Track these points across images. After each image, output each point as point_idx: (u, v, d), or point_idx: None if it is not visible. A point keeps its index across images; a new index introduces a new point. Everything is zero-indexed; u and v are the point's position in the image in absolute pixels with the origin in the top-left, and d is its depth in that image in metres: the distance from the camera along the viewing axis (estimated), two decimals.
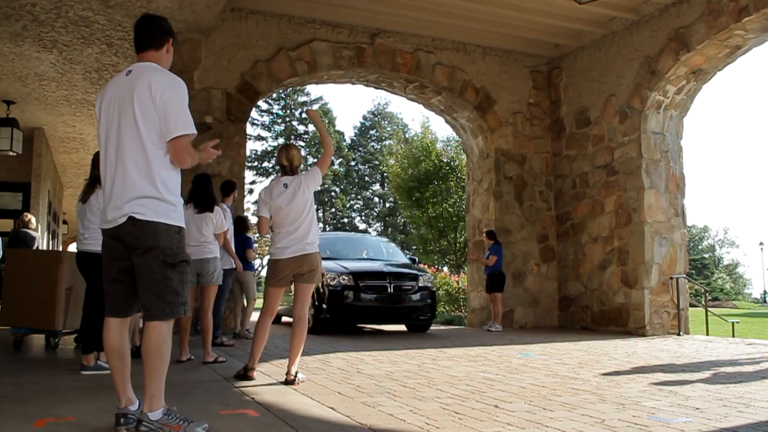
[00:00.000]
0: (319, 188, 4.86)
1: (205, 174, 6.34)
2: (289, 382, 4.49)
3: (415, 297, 9.16)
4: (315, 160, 56.73)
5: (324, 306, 8.84)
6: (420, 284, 9.24)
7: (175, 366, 5.42)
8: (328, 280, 8.82)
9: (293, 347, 4.60)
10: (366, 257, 10.72)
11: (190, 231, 5.89)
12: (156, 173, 2.87)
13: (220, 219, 5.90)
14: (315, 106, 55.26)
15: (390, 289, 9.00)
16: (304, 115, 54.33)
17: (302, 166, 4.84)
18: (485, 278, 10.43)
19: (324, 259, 9.19)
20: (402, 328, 10.27)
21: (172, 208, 2.92)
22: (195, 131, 2.94)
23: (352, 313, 8.87)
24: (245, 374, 4.61)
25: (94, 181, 4.98)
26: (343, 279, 8.88)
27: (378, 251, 11.24)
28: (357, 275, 8.94)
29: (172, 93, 2.89)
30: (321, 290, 8.82)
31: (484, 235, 10.54)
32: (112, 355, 2.97)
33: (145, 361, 2.87)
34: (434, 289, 9.72)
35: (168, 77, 2.96)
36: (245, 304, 8.78)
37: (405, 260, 10.81)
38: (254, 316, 9.78)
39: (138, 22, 3.16)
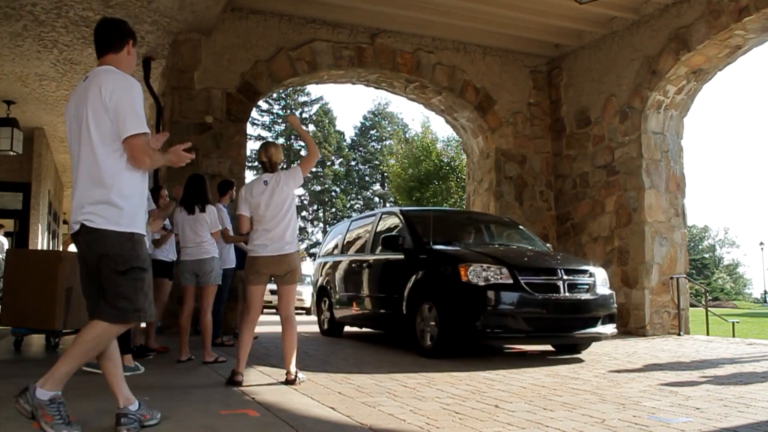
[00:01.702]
0: (300, 188, 4.84)
1: (197, 174, 6.31)
2: (289, 381, 4.48)
3: (595, 301, 6.16)
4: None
5: (458, 315, 5.82)
6: (597, 281, 6.33)
7: (175, 366, 5.43)
8: (470, 276, 5.79)
9: (286, 347, 4.59)
10: (503, 242, 7.62)
11: (185, 233, 5.89)
12: (107, 178, 2.84)
13: (214, 218, 5.87)
14: (315, 107, 55.17)
15: (564, 290, 6.00)
16: (304, 116, 54.30)
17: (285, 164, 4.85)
18: None
19: (443, 243, 6.69)
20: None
21: (122, 213, 2.87)
22: (147, 130, 2.91)
23: (507, 324, 5.74)
24: (232, 379, 4.44)
25: None
26: (494, 273, 5.82)
27: (506, 236, 7.93)
28: (515, 267, 5.91)
29: (123, 93, 2.87)
30: (452, 291, 5.89)
31: None
32: (101, 357, 2.96)
33: (73, 343, 2.85)
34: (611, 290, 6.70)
35: (118, 77, 2.94)
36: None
37: (545, 247, 7.70)
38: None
39: (97, 27, 3.13)
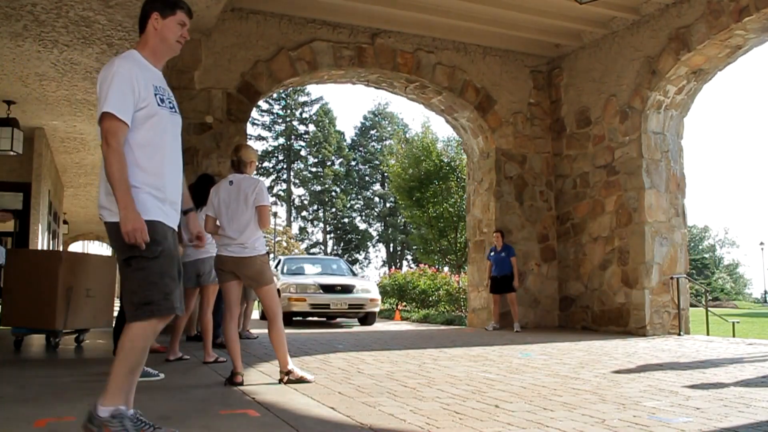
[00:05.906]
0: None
1: (205, 174, 6.32)
2: (290, 381, 4.46)
3: None
4: (316, 160, 56.68)
5: None
6: None
7: (173, 366, 5.43)
8: None
9: (275, 346, 4.55)
10: None
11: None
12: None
13: None
14: (315, 107, 55.17)
15: None
16: (304, 115, 54.29)
17: (254, 166, 4.72)
18: (488, 280, 10.47)
19: None
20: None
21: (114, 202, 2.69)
22: (113, 111, 2.65)
23: None
24: (232, 379, 4.45)
25: None
26: None
27: None
28: None
29: (104, 75, 2.75)
30: None
31: (499, 235, 10.42)
32: None
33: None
34: None
35: (112, 61, 2.80)
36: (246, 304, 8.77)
37: None
38: (255, 316, 9.74)
39: None
